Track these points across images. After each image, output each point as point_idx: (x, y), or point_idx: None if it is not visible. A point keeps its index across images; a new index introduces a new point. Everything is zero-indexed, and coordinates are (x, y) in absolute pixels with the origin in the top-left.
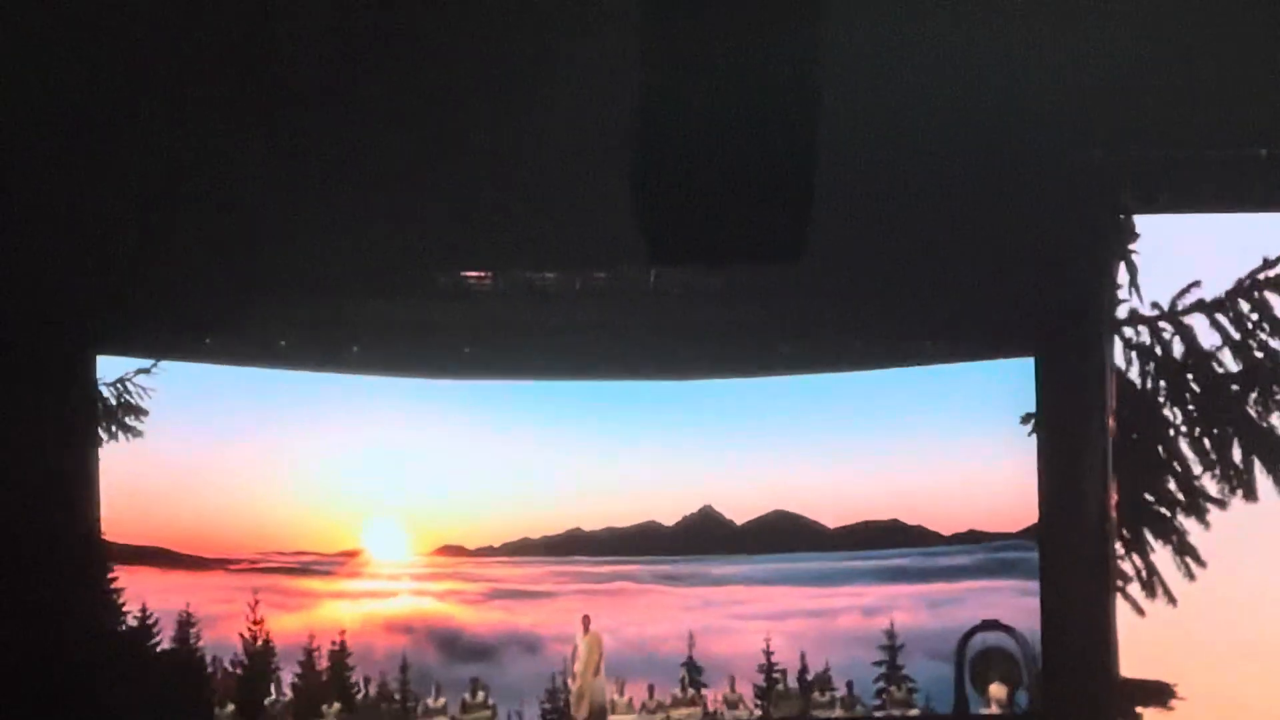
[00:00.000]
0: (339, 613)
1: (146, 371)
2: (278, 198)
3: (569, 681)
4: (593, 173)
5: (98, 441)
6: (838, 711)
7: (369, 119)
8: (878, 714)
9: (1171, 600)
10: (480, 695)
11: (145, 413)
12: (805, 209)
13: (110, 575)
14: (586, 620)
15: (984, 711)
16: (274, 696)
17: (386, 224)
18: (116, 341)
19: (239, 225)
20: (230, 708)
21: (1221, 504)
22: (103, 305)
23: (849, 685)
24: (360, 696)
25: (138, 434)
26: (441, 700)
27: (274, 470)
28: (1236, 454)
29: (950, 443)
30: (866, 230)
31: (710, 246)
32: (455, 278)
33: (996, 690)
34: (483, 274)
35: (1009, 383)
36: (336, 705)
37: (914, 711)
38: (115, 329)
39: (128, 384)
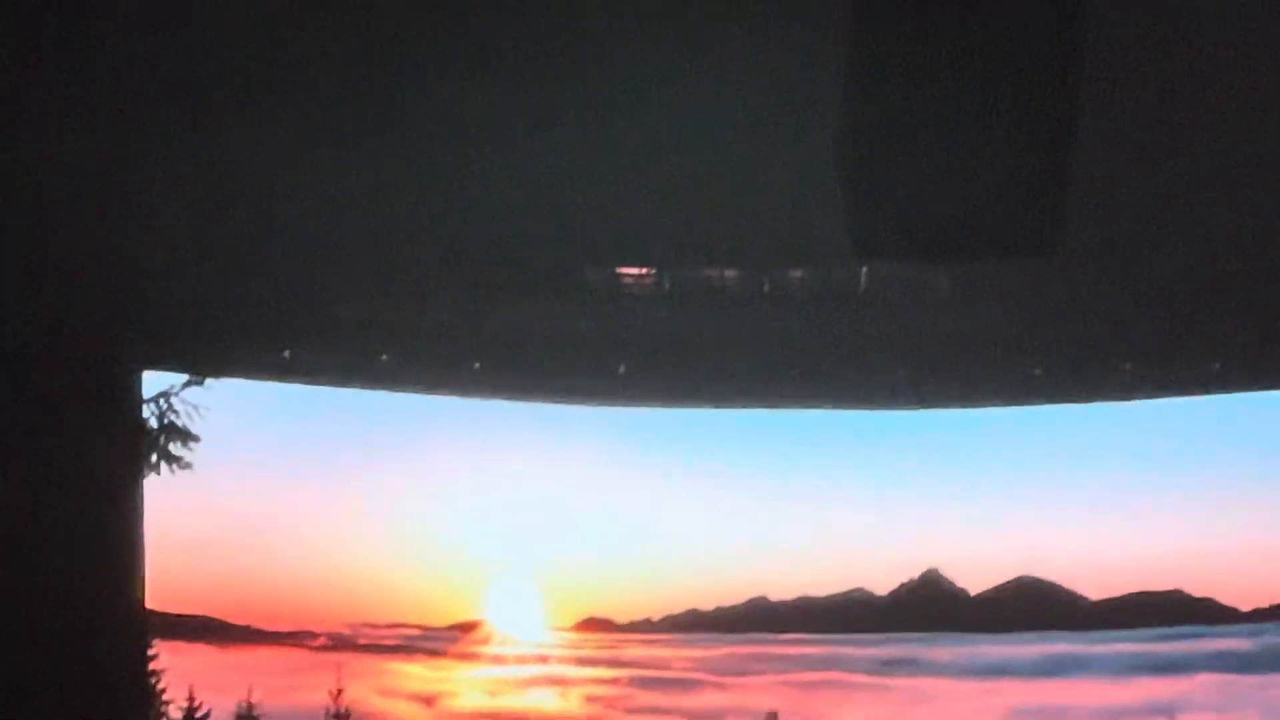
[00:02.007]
0: (447, 704)
1: (198, 383)
2: (381, 175)
3: None
4: (788, 143)
5: (141, 479)
6: None
7: (501, 75)
8: None
9: None
10: None
11: (195, 439)
12: (1060, 193)
13: (149, 653)
14: (774, 718)
15: None
16: None
17: (520, 207)
18: (167, 354)
19: (329, 210)
20: None
21: None
22: (150, 310)
23: None
24: None
25: (185, 466)
26: None
27: (366, 519)
28: None
29: (1250, 490)
30: (1141, 222)
31: (937, 239)
32: (608, 275)
33: None
34: (643, 271)
35: None
36: None
37: None
38: (165, 339)
39: (172, 400)
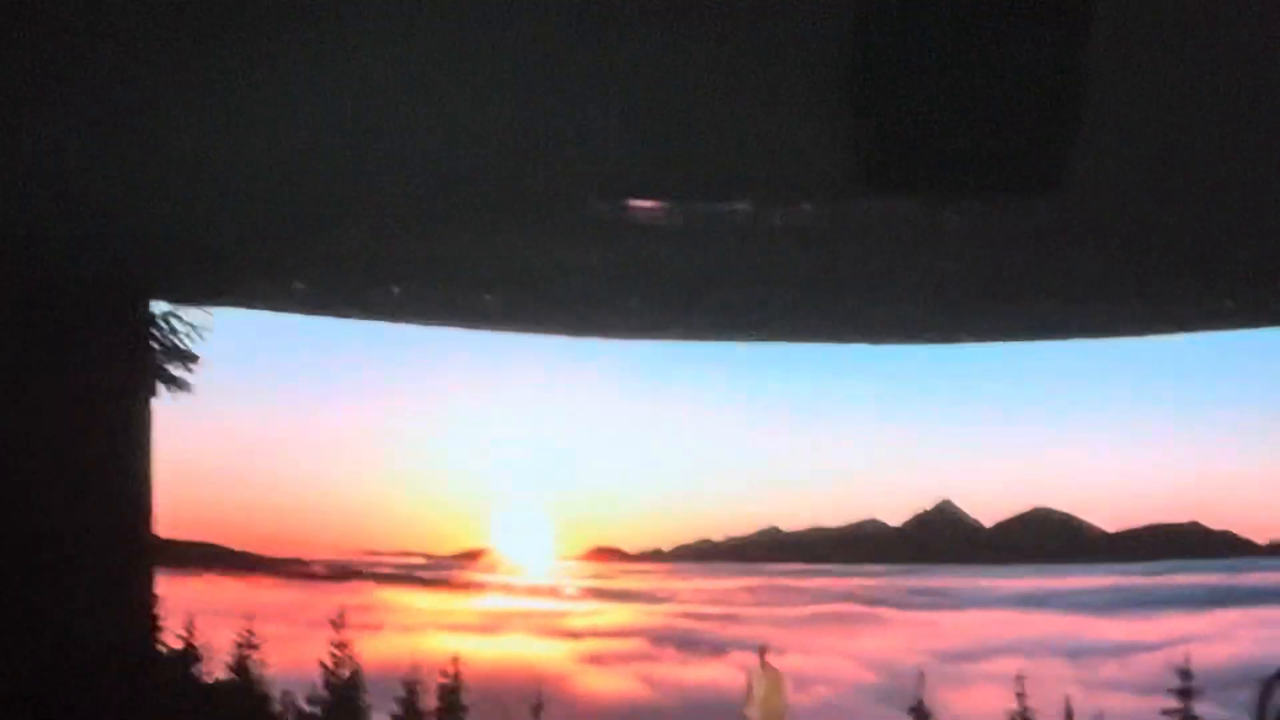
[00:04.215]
0: (452, 633)
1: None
2: (389, 105)
3: None
4: (799, 75)
5: (149, 407)
6: None
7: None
8: None
9: None
10: None
11: (195, 359)
12: (1071, 127)
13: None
14: (764, 652)
15: None
16: None
17: (528, 137)
18: (176, 285)
19: (340, 141)
20: None
21: None
22: (159, 240)
23: None
24: None
25: (185, 388)
26: None
27: (372, 447)
28: None
29: (1270, 425)
30: (1153, 157)
31: (948, 173)
32: (617, 208)
33: None
34: (654, 204)
35: None
36: None
37: None
38: (175, 269)
39: (172, 321)
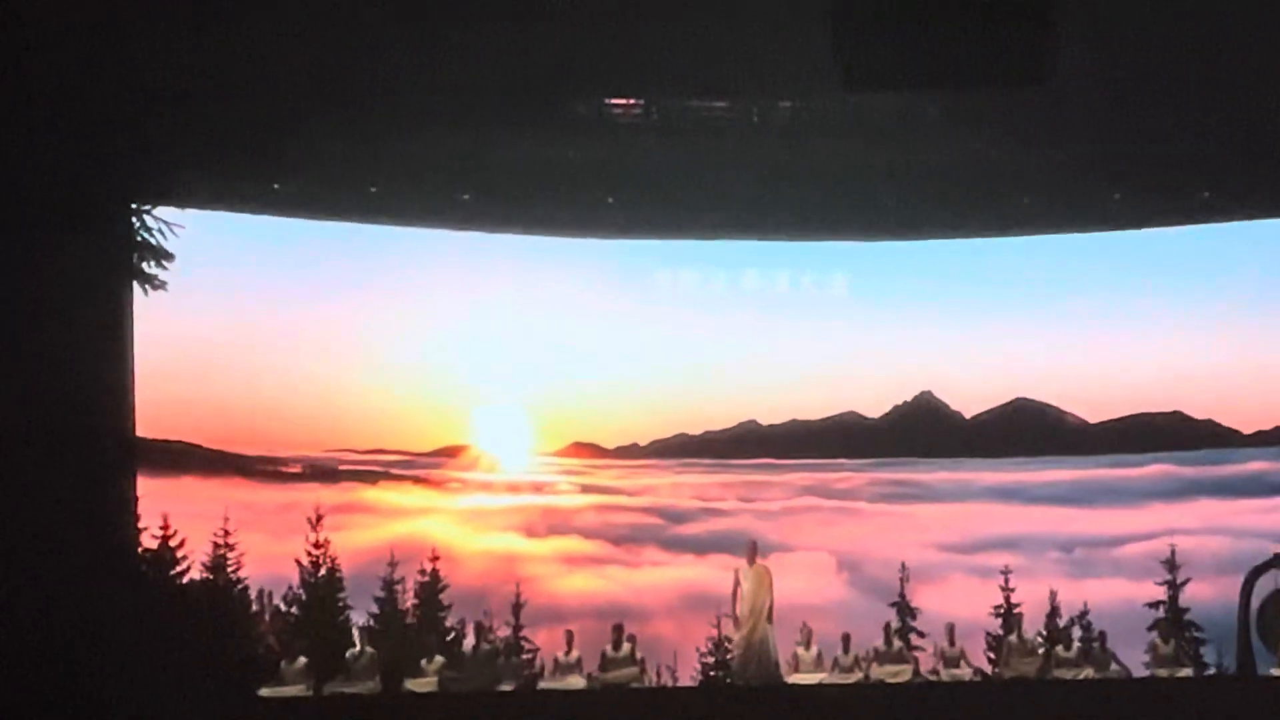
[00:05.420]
0: (430, 531)
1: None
2: (368, 8)
3: (733, 627)
4: None
5: (130, 307)
6: (1088, 671)
7: None
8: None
9: None
10: (625, 648)
11: (170, 257)
12: (1049, 21)
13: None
14: (753, 549)
15: (1276, 673)
16: (359, 648)
17: (509, 37)
18: (157, 187)
19: (317, 44)
20: (302, 662)
21: None
22: (141, 143)
23: (1101, 636)
24: (470, 647)
25: (160, 286)
26: (575, 654)
27: (350, 346)
28: None
29: (1248, 313)
30: (1130, 51)
31: (925, 67)
32: (597, 106)
33: None
34: (632, 101)
35: None
36: (439, 659)
37: (1185, 672)
38: (155, 172)
39: (145, 218)
